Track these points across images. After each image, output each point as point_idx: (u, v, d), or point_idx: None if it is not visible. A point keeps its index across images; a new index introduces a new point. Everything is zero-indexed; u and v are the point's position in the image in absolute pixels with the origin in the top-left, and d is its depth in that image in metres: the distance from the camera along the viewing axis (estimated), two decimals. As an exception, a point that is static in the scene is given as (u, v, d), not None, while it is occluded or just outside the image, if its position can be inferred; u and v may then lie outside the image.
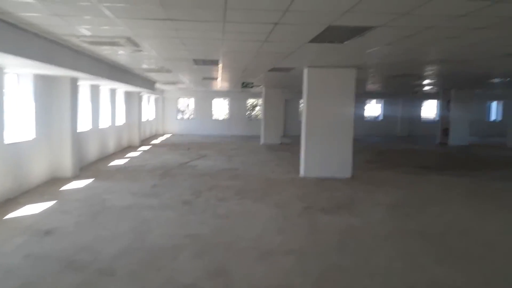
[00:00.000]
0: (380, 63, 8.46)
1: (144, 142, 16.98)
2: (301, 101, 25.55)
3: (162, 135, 21.48)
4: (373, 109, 26.55)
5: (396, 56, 7.31)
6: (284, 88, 17.51)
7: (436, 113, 24.21)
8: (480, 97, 21.63)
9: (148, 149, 14.45)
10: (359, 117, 23.88)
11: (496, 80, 12.71)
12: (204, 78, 13.14)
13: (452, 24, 4.51)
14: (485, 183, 8.59)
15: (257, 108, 30.54)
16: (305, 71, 9.07)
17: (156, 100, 21.74)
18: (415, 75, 11.35)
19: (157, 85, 17.57)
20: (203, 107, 22.81)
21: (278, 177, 9.03)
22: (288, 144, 17.56)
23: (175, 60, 8.54)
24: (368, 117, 24.79)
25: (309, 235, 4.96)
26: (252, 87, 13.56)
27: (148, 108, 19.86)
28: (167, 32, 5.41)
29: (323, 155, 9.05)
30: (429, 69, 9.84)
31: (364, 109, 23.87)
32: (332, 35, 5.24)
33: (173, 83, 15.79)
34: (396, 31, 4.94)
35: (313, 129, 9.04)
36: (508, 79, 12.11)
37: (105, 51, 7.53)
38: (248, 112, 25.58)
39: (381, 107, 24.50)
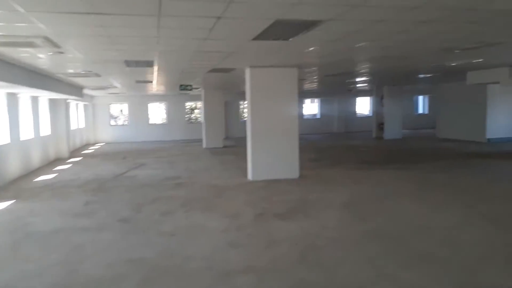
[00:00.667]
0: (322, 62, 8.33)
1: (74, 153, 15.60)
2: (242, 102, 25.33)
3: (94, 144, 20.01)
4: (311, 107, 27.02)
5: (338, 54, 7.18)
6: (224, 89, 17.07)
7: (370, 109, 25.18)
8: (408, 92, 22.81)
9: (79, 161, 13.24)
10: (298, 116, 24.15)
11: (424, 76, 13.30)
12: (138, 82, 12.29)
13: (402, 17, 4.36)
14: (428, 175, 8.80)
15: (196, 111, 29.80)
16: (247, 71, 8.70)
17: (86, 107, 20.19)
18: (353, 73, 11.48)
19: (86, 91, 16.25)
20: (138, 112, 21.63)
21: (225, 183, 8.56)
22: (232, 146, 17.14)
23: (104, 62, 7.73)
24: (306, 115, 25.15)
25: (267, 248, 4.56)
26: (191, 89, 12.94)
27: (77, 116, 18.36)
28: (92, 29, 4.72)
29: (270, 157, 8.75)
30: (368, 67, 9.94)
31: (302, 108, 24.15)
32: (278, 31, 4.89)
33: (104, 88, 14.66)
34: (345, 25, 4.71)
35: (259, 131, 8.70)
36: (433, 74, 12.71)
37: (23, 54, 6.56)
38: (187, 115, 24.77)
39: (318, 105, 24.95)
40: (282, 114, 8.78)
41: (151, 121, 22.52)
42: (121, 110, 26.14)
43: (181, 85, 12.60)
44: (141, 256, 4.39)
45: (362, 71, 10.92)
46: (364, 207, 6.18)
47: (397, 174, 9.12)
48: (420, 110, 26.66)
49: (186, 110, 24.36)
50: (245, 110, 31.12)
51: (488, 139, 15.45)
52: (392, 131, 18.58)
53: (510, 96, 15.44)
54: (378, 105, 19.65)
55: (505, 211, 5.80)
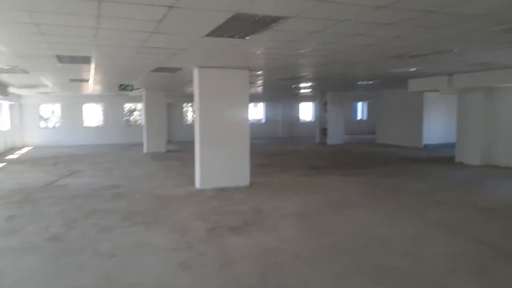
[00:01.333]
0: (275, 65, 8.03)
1: (-5, 158, 13.94)
2: (186, 104, 24.51)
3: (21, 148, 18.15)
4: (255, 112, 26.87)
5: (293, 57, 6.92)
6: (167, 90, 16.27)
7: (312, 115, 25.59)
8: (349, 98, 23.47)
9: (2, 167, 11.79)
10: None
11: (367, 82, 13.60)
12: (72, 80, 11.20)
13: (365, 18, 4.14)
14: (376, 181, 8.83)
15: (136, 113, 28.45)
16: (196, 72, 8.16)
17: (11, 108, 18.28)
18: (302, 77, 11.37)
19: (12, 90, 14.63)
20: (72, 114, 20.04)
21: (171, 192, 7.92)
22: (176, 151, 16.38)
23: (32, 57, 6.80)
24: (252, 120, 24.94)
25: (223, 268, 4.08)
26: (131, 90, 12.06)
27: (1, 117, 16.51)
28: (17, 16, 3.97)
29: (220, 163, 8.27)
30: (319, 71, 9.84)
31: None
32: (236, 27, 4.47)
33: (33, 86, 13.25)
34: (307, 24, 4.40)
35: (207, 136, 8.19)
36: (376, 81, 13.04)
37: None
38: (126, 117, 23.47)
39: (264, 110, 24.86)
40: (233, 118, 8.35)
41: (85, 124, 20.98)
42: (53, 111, 24.15)
43: (120, 85, 11.70)
44: (75, 285, 3.71)
45: (312, 76, 10.83)
46: (321, 218, 5.92)
47: (346, 180, 9.06)
48: (359, 116, 27.61)
49: (125, 112, 23.07)
50: (190, 113, 30.36)
51: (425, 145, 16.20)
52: (335, 136, 18.91)
53: (444, 104, 16.31)
54: (321, 110, 19.92)
55: (457, 219, 5.84)
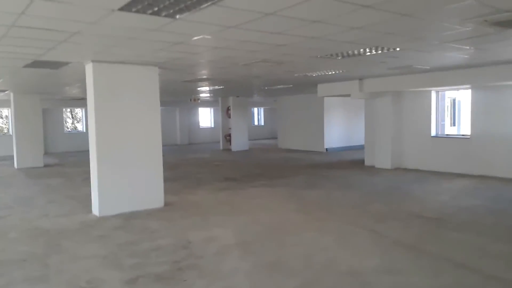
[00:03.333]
0: (193, 62, 6.73)
1: None
2: (66, 109, 21.23)
3: None
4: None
5: (217, 53, 5.75)
6: (43, 93, 13.52)
7: (213, 120, 24.53)
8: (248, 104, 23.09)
9: None
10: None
11: (273, 87, 13.08)
12: None
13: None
14: (302, 193, 8.11)
15: (1, 120, 24.03)
16: (89, 68, 6.41)
17: None
18: (212, 80, 10.21)
19: None
20: None
21: (60, 224, 6.01)
22: (57, 165, 13.73)
23: None
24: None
25: None
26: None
27: None
28: None
29: (125, 181, 6.62)
30: (233, 72, 8.78)
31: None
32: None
33: None
34: (251, 3, 3.31)
35: (107, 147, 6.48)
36: (286, 86, 12.62)
37: None
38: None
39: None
40: (140, 125, 6.79)
41: None
42: None
43: (-21, 85, 8.99)
44: None
45: (223, 78, 9.71)
46: (268, 251, 4.76)
47: (268, 193, 8.16)
48: (256, 122, 27.45)
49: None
50: (69, 119, 26.63)
51: (327, 148, 16.39)
52: (240, 142, 18.15)
53: (342, 108, 16.75)
54: (224, 116, 18.97)
55: (415, 235, 5.29)
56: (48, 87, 11.49)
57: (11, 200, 7.86)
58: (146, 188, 6.84)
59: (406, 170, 10.80)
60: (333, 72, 8.72)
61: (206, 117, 24.85)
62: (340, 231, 5.47)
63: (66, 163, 14.42)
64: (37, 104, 13.43)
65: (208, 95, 16.97)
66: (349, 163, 12.60)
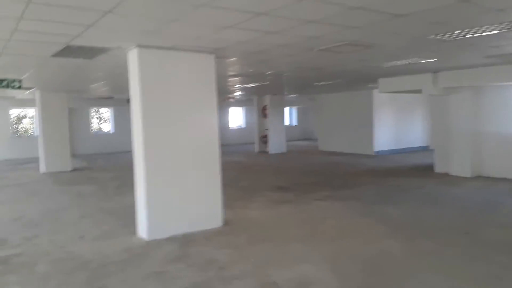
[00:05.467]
0: (259, 48, 5.41)
1: None
2: (93, 109, 20.31)
3: None
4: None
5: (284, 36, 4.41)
6: (69, 91, 12.47)
7: (244, 121, 23.25)
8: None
9: None
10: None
11: (325, 83, 11.66)
12: None
13: None
14: (379, 209, 6.70)
15: (26, 120, 23.31)
16: (133, 54, 5.15)
17: None
18: (259, 74, 8.88)
19: None
20: None
21: (100, 251, 4.77)
22: (86, 169, 12.66)
23: None
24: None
25: None
26: (19, 87, 8.25)
27: None
28: None
29: (178, 197, 5.35)
30: (297, 63, 7.41)
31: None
32: None
33: None
34: None
35: (157, 154, 5.20)
36: (334, 81, 11.19)
37: None
38: (14, 126, 18.62)
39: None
40: (195, 126, 5.50)
41: (-46, 135, 15.82)
42: None
43: (2, 81, 7.85)
44: None
45: (280, 69, 8.34)
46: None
47: (340, 209, 6.76)
48: (288, 122, 25.99)
49: (11, 119, 18.23)
50: (95, 119, 25.76)
51: (376, 151, 14.85)
52: (277, 144, 16.81)
53: (393, 106, 15.18)
54: (259, 116, 17.62)
55: None
56: (75, 84, 10.42)
57: (37, 215, 6.70)
58: (202, 204, 5.54)
59: (490, 179, 9.16)
60: (423, 61, 7.19)
61: (236, 117, 23.58)
62: (471, 271, 4.03)
63: (94, 166, 13.36)
64: (64, 103, 12.38)
65: (241, 93, 15.69)
66: (415, 170, 11.04)
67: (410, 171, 10.82)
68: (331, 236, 5.24)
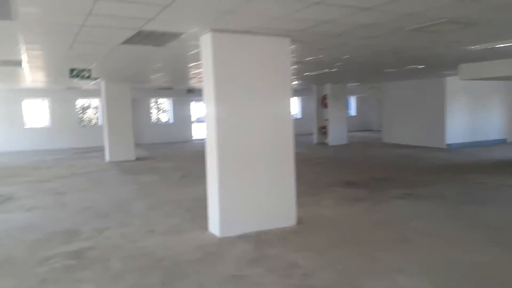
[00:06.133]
0: (338, 29, 4.87)
1: None
2: (152, 100, 20.72)
3: None
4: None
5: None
6: (133, 82, 12.61)
7: (300, 110, 22.65)
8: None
9: None
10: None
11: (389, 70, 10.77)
12: (-2, 62, 7.39)
13: None
14: (471, 211, 5.94)
15: (90, 110, 24.33)
16: (206, 39, 4.81)
17: None
18: (327, 61, 8.28)
19: None
20: (8, 112, 15.78)
21: (172, 247, 4.54)
22: (148, 158, 12.81)
23: None
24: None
25: None
26: (88, 77, 8.33)
27: None
28: None
29: (251, 192, 4.99)
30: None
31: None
32: None
33: None
34: None
35: (230, 147, 4.87)
36: (392, 70, 10.27)
37: None
38: (79, 116, 19.43)
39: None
40: (269, 115, 5.10)
41: (27, 125, 16.73)
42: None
43: (72, 70, 7.95)
44: None
45: (355, 54, 7.68)
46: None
47: (423, 209, 6.09)
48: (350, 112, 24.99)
49: (78, 109, 19.00)
50: (159, 109, 26.25)
51: (448, 144, 13.68)
52: (337, 136, 16.07)
53: (467, 95, 13.88)
54: (319, 106, 16.95)
55: None
56: (138, 74, 10.45)
57: (106, 204, 6.68)
58: (275, 200, 5.15)
59: None
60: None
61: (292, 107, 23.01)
62: None
63: (156, 156, 13.49)
64: (128, 93, 12.53)
65: (299, 82, 15.09)
66: (496, 165, 9.95)
67: (492, 167, 9.75)
68: (421, 241, 4.63)
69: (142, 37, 5.04)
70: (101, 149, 14.53)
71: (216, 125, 4.76)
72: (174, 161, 12.02)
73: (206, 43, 4.85)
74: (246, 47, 4.91)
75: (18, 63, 7.29)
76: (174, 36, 5.01)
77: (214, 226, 4.93)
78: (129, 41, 5.29)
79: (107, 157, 12.22)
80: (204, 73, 4.98)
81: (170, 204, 6.62)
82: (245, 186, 4.95)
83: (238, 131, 4.90)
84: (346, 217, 5.74)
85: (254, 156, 4.99)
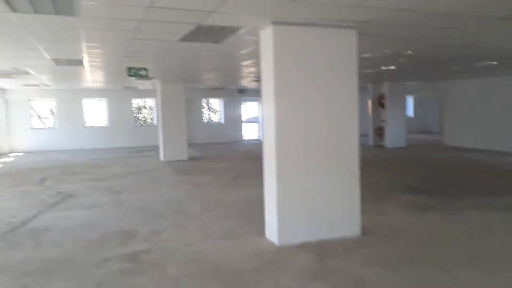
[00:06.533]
0: (400, 22, 4.39)
1: (-36, 172, 10.48)
2: (204, 99, 20.86)
3: (7, 155, 14.69)
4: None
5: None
6: (187, 81, 12.68)
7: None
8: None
9: (-37, 189, 8.28)
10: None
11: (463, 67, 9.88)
12: (59, 62, 7.58)
13: None
14: None
15: (145, 110, 24.99)
16: (267, 33, 4.52)
17: (-6, 104, 14.83)
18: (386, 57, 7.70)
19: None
20: (70, 112, 16.54)
21: (229, 253, 4.30)
22: (200, 159, 12.82)
23: None
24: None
25: None
26: (145, 76, 8.38)
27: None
28: None
29: (311, 197, 4.64)
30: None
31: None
32: None
33: (10, 74, 9.68)
34: None
35: (290, 148, 4.55)
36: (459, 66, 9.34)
37: None
38: (135, 115, 19.98)
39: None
40: (332, 114, 4.72)
41: (87, 124, 17.45)
42: (51, 109, 20.66)
43: (130, 69, 8.03)
44: None
45: (423, 47, 7.08)
46: None
47: (505, 221, 5.41)
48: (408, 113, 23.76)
49: (133, 109, 19.54)
50: (211, 109, 26.54)
51: (521, 148, 12.45)
52: (395, 138, 15.22)
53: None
54: (375, 105, 16.16)
55: None
56: (192, 74, 10.43)
57: (161, 205, 6.61)
58: (338, 207, 4.75)
59: None
60: None
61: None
62: None
63: (208, 156, 13.48)
64: (182, 93, 12.60)
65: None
66: None
67: None
68: (510, 259, 4.04)
69: (200, 33, 4.86)
70: (154, 149, 14.81)
71: (275, 125, 4.46)
72: (226, 162, 11.92)
73: (266, 38, 4.56)
74: (309, 41, 4.56)
75: (80, 62, 7.45)
76: (232, 30, 4.78)
77: (272, 233, 4.62)
78: (187, 37, 5.14)
79: (161, 157, 12.35)
80: (263, 70, 4.70)
81: (224, 206, 6.42)
82: (305, 190, 4.60)
83: (299, 131, 4.56)
84: (416, 227, 5.21)
85: (316, 158, 4.63)
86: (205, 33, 4.86)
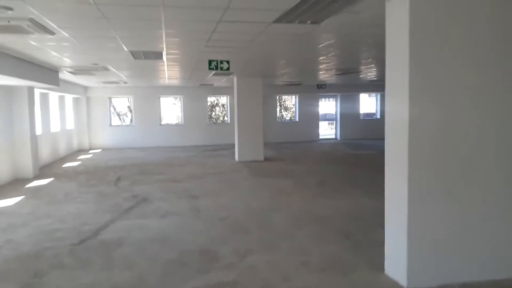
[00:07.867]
0: None
1: (48, 168, 10.58)
2: (278, 96, 19.96)
3: (88, 151, 14.98)
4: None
5: None
6: (265, 75, 11.78)
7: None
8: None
9: (44, 186, 8.14)
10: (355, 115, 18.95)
11: None
12: (136, 56, 7.03)
13: None
14: None
15: (218, 108, 24.74)
16: (400, 3, 3.37)
17: (77, 102, 15.18)
18: None
19: (72, 78, 11.20)
20: (147, 109, 16.52)
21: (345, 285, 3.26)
22: (276, 160, 11.89)
23: None
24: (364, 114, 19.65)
25: None
26: (227, 69, 7.53)
27: (61, 114, 13.30)
28: None
29: (459, 225, 3.41)
30: None
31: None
32: None
33: (88, 70, 9.49)
34: None
35: (429, 155, 3.34)
36: None
37: None
38: (209, 113, 19.67)
39: (377, 102, 19.55)
40: (496, 117, 3.44)
41: (163, 122, 17.38)
42: (129, 106, 21.13)
43: (211, 62, 7.25)
44: None
45: None
46: None
47: None
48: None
49: (207, 107, 19.20)
50: (284, 106, 25.54)
51: None
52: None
53: None
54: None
55: None
56: (272, 68, 9.50)
57: (243, 214, 5.73)
58: (495, 239, 3.46)
59: None
60: None
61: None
62: None
63: (284, 157, 12.52)
64: (260, 89, 11.70)
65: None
66: None
67: None
68: None
69: (303, 10, 3.83)
70: (228, 147, 14.21)
71: (407, 126, 3.29)
72: (305, 164, 10.86)
73: (398, 8, 3.40)
74: (463, 6, 3.32)
75: (158, 55, 6.84)
76: (349, 1, 3.67)
77: (396, 270, 3.46)
78: (284, 17, 4.14)
79: (236, 157, 11.62)
80: (389, 53, 3.54)
81: (318, 221, 5.36)
82: (449, 216, 3.38)
83: (443, 134, 3.35)
84: None
85: (466, 174, 3.39)
86: (309, 9, 3.82)
